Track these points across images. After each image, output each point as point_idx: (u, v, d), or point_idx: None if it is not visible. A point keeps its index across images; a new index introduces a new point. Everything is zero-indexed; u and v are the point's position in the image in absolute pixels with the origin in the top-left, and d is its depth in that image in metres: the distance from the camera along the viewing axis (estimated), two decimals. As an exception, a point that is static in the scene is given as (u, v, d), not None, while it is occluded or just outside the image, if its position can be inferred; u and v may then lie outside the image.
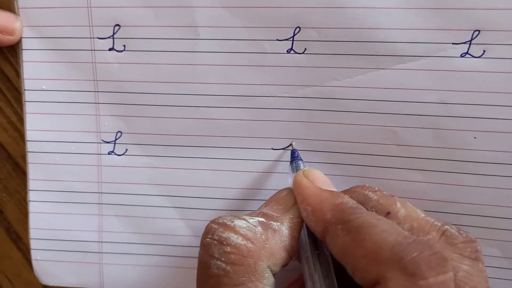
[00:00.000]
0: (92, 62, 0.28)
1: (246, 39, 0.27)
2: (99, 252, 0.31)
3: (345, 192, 0.24)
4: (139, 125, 0.29)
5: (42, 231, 0.31)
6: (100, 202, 0.30)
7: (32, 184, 0.30)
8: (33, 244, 0.31)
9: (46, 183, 0.30)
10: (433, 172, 0.27)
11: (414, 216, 0.22)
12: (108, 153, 0.30)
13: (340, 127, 0.28)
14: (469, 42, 0.26)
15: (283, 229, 0.22)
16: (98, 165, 0.30)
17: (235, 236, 0.21)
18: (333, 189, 0.23)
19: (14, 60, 0.29)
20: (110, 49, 0.28)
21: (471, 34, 0.26)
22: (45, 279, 0.32)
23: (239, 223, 0.21)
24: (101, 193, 0.30)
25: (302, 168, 0.26)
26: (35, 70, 0.29)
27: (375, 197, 0.23)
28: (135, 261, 0.31)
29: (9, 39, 0.28)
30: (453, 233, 0.22)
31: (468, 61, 0.26)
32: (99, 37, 0.28)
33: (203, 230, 0.30)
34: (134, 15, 0.27)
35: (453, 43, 0.26)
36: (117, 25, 0.27)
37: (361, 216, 0.20)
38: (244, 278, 0.20)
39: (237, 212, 0.30)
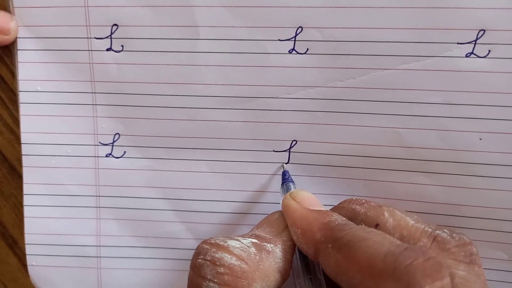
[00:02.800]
0: (89, 63, 0.28)
1: (247, 39, 0.26)
2: (97, 257, 0.30)
3: (333, 209, 0.24)
4: (137, 127, 0.28)
5: (38, 236, 0.30)
6: (98, 206, 0.30)
7: (27, 188, 0.30)
8: (28, 249, 0.30)
9: (42, 187, 0.30)
10: (438, 174, 0.27)
11: (403, 224, 0.22)
12: (106, 156, 0.29)
13: (343, 129, 0.27)
14: (474, 42, 0.25)
15: (276, 250, 0.22)
16: (95, 168, 0.29)
17: (229, 257, 0.20)
18: (321, 208, 0.23)
19: (9, 61, 0.29)
20: (107, 50, 0.27)
21: (476, 34, 0.25)
22: (41, 285, 0.31)
23: (232, 243, 0.21)
24: (99, 196, 0.30)
25: (292, 189, 0.26)
26: (31, 71, 0.28)
27: (362, 210, 0.23)
28: (134, 265, 0.30)
29: (4, 39, 0.27)
30: (445, 238, 0.21)
31: (473, 61, 0.25)
32: (96, 37, 0.27)
33: (203, 233, 0.30)
34: (133, 14, 0.26)
35: (458, 43, 0.25)
36: (115, 24, 0.27)
37: (350, 232, 0.20)
38: None
39: (239, 215, 0.29)
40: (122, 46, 0.27)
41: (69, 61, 0.28)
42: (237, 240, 0.21)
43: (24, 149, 0.29)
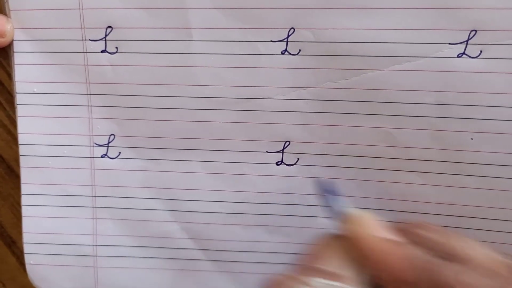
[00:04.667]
0: (85, 65, 0.28)
1: (240, 41, 0.27)
2: (94, 256, 0.31)
3: (401, 234, 0.20)
4: (132, 127, 0.29)
5: (36, 235, 0.31)
6: (94, 206, 0.30)
7: (24, 188, 0.30)
8: (26, 248, 0.31)
9: (39, 187, 0.30)
10: (430, 174, 0.27)
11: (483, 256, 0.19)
12: (101, 156, 0.29)
13: (335, 129, 0.28)
14: (465, 42, 0.25)
15: None
16: (91, 169, 0.30)
17: None
18: (392, 236, 0.20)
19: (6, 63, 0.29)
20: (102, 51, 0.28)
21: (468, 34, 0.25)
22: (39, 284, 0.31)
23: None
24: (95, 196, 0.30)
25: (342, 206, 0.22)
26: (27, 73, 0.28)
27: (441, 240, 0.20)
28: (130, 264, 0.31)
29: (0, 41, 0.27)
30: None
31: (465, 62, 0.26)
32: (91, 39, 0.27)
33: (198, 232, 0.30)
34: (127, 16, 0.27)
35: (449, 43, 0.25)
36: (109, 26, 0.27)
37: (449, 273, 0.18)
38: None
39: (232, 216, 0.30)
40: (117, 48, 0.27)
41: (64, 63, 0.28)
42: (305, 284, 0.19)
43: (22, 150, 0.30)
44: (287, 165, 0.29)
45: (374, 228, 0.20)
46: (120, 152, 0.29)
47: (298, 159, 0.29)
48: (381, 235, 0.20)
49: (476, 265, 0.19)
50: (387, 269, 0.19)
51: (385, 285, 0.20)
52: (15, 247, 0.32)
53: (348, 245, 0.20)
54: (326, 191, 0.23)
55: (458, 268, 0.18)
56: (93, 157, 0.30)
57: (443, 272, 0.18)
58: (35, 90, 0.29)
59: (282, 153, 0.29)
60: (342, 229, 0.21)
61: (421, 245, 0.20)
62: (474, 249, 0.20)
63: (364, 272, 0.20)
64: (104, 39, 0.27)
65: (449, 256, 0.19)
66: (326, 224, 0.29)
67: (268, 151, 0.29)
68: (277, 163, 0.29)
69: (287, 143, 0.28)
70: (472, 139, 0.26)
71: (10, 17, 0.27)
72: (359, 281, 0.20)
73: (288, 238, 0.30)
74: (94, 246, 0.31)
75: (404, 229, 0.21)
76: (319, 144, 0.28)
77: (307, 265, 0.20)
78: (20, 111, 0.29)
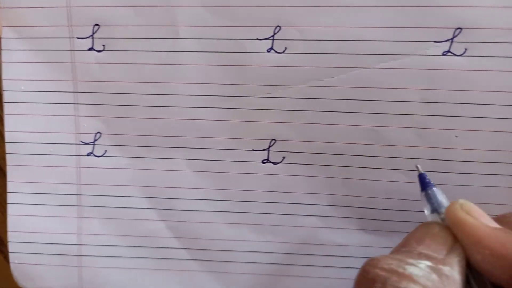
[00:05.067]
0: (72, 62, 0.28)
1: (226, 39, 0.27)
2: (78, 255, 0.31)
3: (498, 223, 0.21)
4: (118, 126, 0.29)
5: (21, 234, 0.30)
6: (80, 204, 0.30)
7: (10, 186, 0.30)
8: (11, 247, 0.31)
9: (25, 185, 0.30)
10: (416, 171, 0.27)
11: None
12: (87, 154, 0.29)
13: (322, 128, 0.28)
14: (450, 40, 0.26)
15: (454, 274, 0.19)
16: (77, 167, 0.30)
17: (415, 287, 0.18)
18: (498, 226, 0.20)
19: (-7, 61, 0.29)
20: (89, 49, 0.28)
21: (452, 32, 0.25)
22: (24, 283, 0.31)
23: (414, 270, 0.19)
24: (80, 195, 0.30)
25: (439, 196, 0.23)
26: (15, 71, 0.28)
27: None
28: (115, 264, 0.30)
29: (-12, 39, 0.28)
30: None
31: (450, 60, 0.26)
32: (78, 37, 0.27)
33: (184, 231, 0.30)
34: (114, 14, 0.27)
35: (434, 41, 0.26)
36: (97, 24, 0.27)
37: None
38: None
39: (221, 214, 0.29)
40: (104, 45, 0.27)
41: (52, 61, 0.28)
42: (413, 264, 0.19)
43: (8, 148, 0.30)
44: (273, 163, 0.29)
45: (484, 218, 0.21)
46: (106, 150, 0.29)
47: (284, 157, 0.28)
48: (489, 224, 0.20)
49: None
50: (499, 255, 0.19)
51: (490, 270, 0.20)
52: (3, 245, 0.32)
53: (450, 231, 0.21)
54: (422, 180, 0.24)
55: None
56: (79, 155, 0.29)
57: None
58: (23, 88, 0.29)
59: (268, 151, 0.28)
60: (450, 217, 0.21)
61: None
62: None
63: (465, 259, 0.20)
64: (91, 37, 0.27)
65: None
66: (312, 223, 0.29)
67: (254, 149, 0.28)
68: (263, 161, 0.29)
69: (273, 141, 0.28)
70: (457, 136, 0.26)
71: (-2, 14, 0.28)
72: (460, 268, 0.20)
73: (275, 237, 0.30)
74: (79, 246, 0.30)
75: (500, 220, 0.21)
76: (305, 142, 0.28)
77: (410, 249, 0.20)
78: (7, 108, 0.29)
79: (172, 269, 0.30)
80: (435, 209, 0.23)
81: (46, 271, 0.31)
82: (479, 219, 0.20)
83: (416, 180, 0.27)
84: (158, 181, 0.29)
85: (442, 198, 0.23)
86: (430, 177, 0.26)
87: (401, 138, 0.27)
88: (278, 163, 0.29)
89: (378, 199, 0.28)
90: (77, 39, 0.28)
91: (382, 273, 0.19)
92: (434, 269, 0.19)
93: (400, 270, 0.19)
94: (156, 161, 0.29)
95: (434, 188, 0.24)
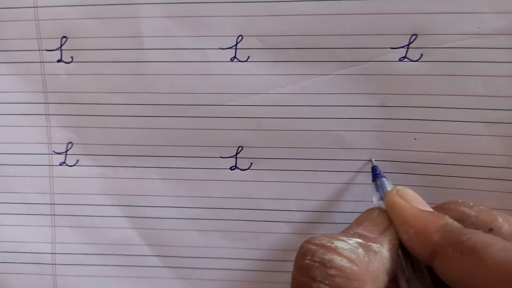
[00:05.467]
0: (42, 74, 0.29)
1: (190, 48, 0.27)
2: (53, 264, 0.31)
3: (437, 209, 0.23)
4: (89, 135, 0.29)
5: (-5, 244, 0.31)
6: (53, 214, 0.31)
7: (-16, 196, 0.31)
8: (-15, 257, 0.31)
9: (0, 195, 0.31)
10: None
11: None
12: (60, 164, 0.30)
13: (287, 133, 0.28)
14: (407, 47, 0.26)
15: (383, 251, 0.21)
16: (50, 176, 0.30)
17: (339, 258, 0.20)
18: (430, 209, 0.22)
19: (-33, 74, 0.30)
20: (58, 61, 0.28)
21: (408, 39, 0.26)
22: (-2, 293, 0.32)
23: (340, 244, 0.20)
24: (54, 204, 0.30)
25: (387, 185, 0.25)
26: (-13, 83, 0.29)
27: (473, 213, 0.22)
28: (89, 272, 0.31)
29: (-39, 53, 0.29)
30: None
31: (406, 65, 0.26)
32: (47, 49, 0.28)
33: (156, 239, 0.30)
34: (80, 26, 0.28)
35: (391, 48, 0.26)
36: (64, 36, 0.28)
37: (473, 236, 0.19)
38: None
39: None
40: (72, 57, 0.28)
41: (22, 73, 0.29)
42: (342, 240, 0.21)
43: (-18, 159, 0.30)
44: (241, 170, 0.29)
45: (416, 201, 0.22)
46: (78, 160, 0.30)
47: (251, 163, 0.29)
48: (420, 206, 0.22)
49: (501, 232, 0.21)
50: (421, 233, 0.21)
51: (414, 248, 0.21)
52: (-22, 257, 0.32)
53: (388, 215, 0.23)
54: (374, 171, 0.27)
55: (480, 233, 0.19)
56: (52, 165, 0.30)
57: (468, 235, 0.19)
58: (-5, 100, 0.29)
59: (236, 158, 0.29)
60: (386, 201, 0.23)
61: (453, 217, 0.21)
62: (502, 220, 0.21)
63: (397, 239, 0.22)
64: (59, 49, 0.28)
65: (478, 226, 0.21)
66: (281, 229, 0.30)
67: (222, 156, 0.29)
68: (231, 168, 0.29)
69: (240, 148, 0.29)
70: (415, 139, 0.27)
71: (-31, 29, 0.28)
72: (391, 246, 0.21)
73: (245, 243, 0.30)
74: (53, 254, 0.31)
75: (440, 206, 0.23)
76: (271, 149, 0.29)
77: (348, 230, 0.22)
78: (-20, 121, 0.30)
79: (144, 276, 0.31)
80: (381, 198, 0.24)
81: (21, 280, 0.31)
82: (411, 202, 0.22)
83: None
84: (130, 190, 0.30)
85: (389, 188, 0.24)
86: (391, 179, 0.27)
87: (362, 142, 0.27)
88: (246, 169, 0.29)
89: (345, 202, 0.28)
90: (46, 51, 0.28)
91: (313, 247, 0.20)
92: (362, 245, 0.21)
93: (328, 244, 0.20)
94: (127, 169, 0.30)
95: (384, 179, 0.26)
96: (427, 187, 0.27)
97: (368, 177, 0.28)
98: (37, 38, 0.28)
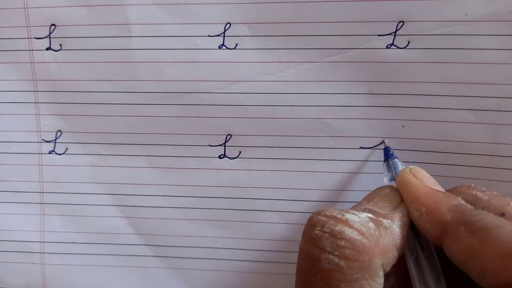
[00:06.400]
0: (31, 62, 0.29)
1: (178, 36, 0.27)
2: (41, 252, 0.31)
3: (449, 192, 0.22)
4: (78, 123, 0.29)
5: (-16, 232, 0.31)
6: (42, 202, 0.31)
7: (-27, 184, 0.31)
8: (-26, 245, 0.31)
9: (-12, 184, 0.31)
10: (367, 162, 0.28)
11: None
12: (49, 152, 0.30)
13: (275, 122, 0.28)
14: (394, 34, 0.26)
15: (394, 227, 0.21)
16: (39, 165, 0.30)
17: (350, 230, 0.19)
18: (443, 190, 0.22)
19: (-44, 63, 0.30)
20: (47, 49, 0.28)
21: (395, 26, 0.26)
22: (-13, 281, 0.32)
23: (350, 217, 0.20)
24: (43, 192, 0.30)
25: (400, 166, 0.25)
26: (-23, 72, 0.29)
27: (485, 198, 0.21)
28: (78, 261, 0.31)
29: (-50, 41, 0.29)
30: None
31: (393, 52, 0.26)
32: (36, 37, 0.28)
33: (144, 228, 0.30)
34: (69, 14, 0.28)
35: (378, 35, 0.26)
36: (53, 24, 0.28)
37: (485, 217, 0.19)
38: (358, 275, 0.19)
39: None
40: (61, 45, 0.28)
41: (11, 61, 0.29)
42: (353, 213, 0.20)
43: (-28, 148, 0.30)
44: (229, 158, 0.29)
45: (429, 181, 0.22)
46: (67, 148, 0.30)
47: (240, 152, 0.29)
48: (433, 186, 0.22)
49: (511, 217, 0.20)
50: (432, 211, 0.21)
51: (424, 226, 0.21)
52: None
53: (399, 192, 0.22)
54: (386, 152, 0.26)
55: (492, 215, 0.20)
56: (41, 153, 0.30)
57: (480, 216, 0.19)
58: (-15, 88, 0.30)
59: (224, 146, 0.29)
60: (398, 179, 0.23)
61: (465, 200, 0.21)
62: None
63: (408, 216, 0.21)
64: (48, 36, 0.28)
65: (489, 211, 0.21)
66: (270, 218, 0.29)
67: (211, 144, 0.29)
68: (219, 157, 0.29)
69: (229, 136, 0.29)
70: (403, 126, 0.27)
71: (-41, 17, 0.29)
72: (401, 223, 0.21)
73: (234, 233, 0.30)
74: (42, 243, 0.31)
75: (452, 190, 0.23)
76: (260, 137, 0.29)
77: (359, 205, 0.22)
78: (-30, 109, 0.30)
79: (133, 266, 0.31)
80: (393, 178, 0.24)
81: (9, 269, 0.31)
82: (423, 181, 0.22)
83: (371, 170, 0.28)
84: (119, 178, 0.30)
85: (402, 168, 0.24)
86: (379, 166, 0.27)
87: (350, 130, 0.27)
88: (234, 158, 0.29)
89: (333, 191, 0.28)
90: (35, 39, 0.28)
91: (323, 218, 0.20)
92: (373, 220, 0.20)
93: (339, 216, 0.20)
94: (116, 158, 0.30)
95: (396, 159, 0.26)
96: (414, 174, 0.27)
97: (358, 166, 0.28)
98: (26, 26, 0.28)
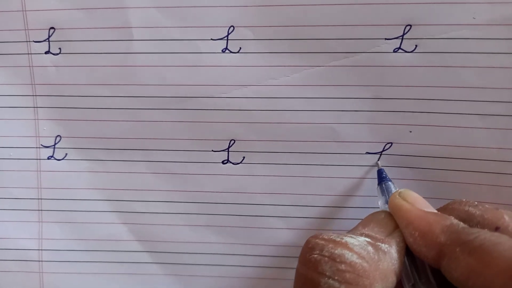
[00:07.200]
0: (29, 66, 0.28)
1: (181, 39, 0.27)
2: (39, 261, 0.30)
3: (441, 210, 0.22)
4: (77, 128, 0.29)
5: (-20, 240, 0.30)
6: (40, 209, 0.30)
7: (-30, 191, 0.30)
8: (-30, 253, 0.30)
9: (-15, 190, 0.30)
10: (372, 167, 0.27)
11: None
12: (48, 158, 0.29)
13: (279, 127, 0.28)
14: (401, 37, 0.26)
15: (392, 251, 0.20)
16: (37, 171, 0.30)
17: (349, 254, 0.19)
18: (435, 210, 0.22)
19: (-48, 66, 0.29)
20: (46, 52, 0.28)
21: (403, 29, 0.26)
22: (-17, 291, 0.31)
23: (350, 240, 0.20)
24: (41, 199, 0.30)
25: (393, 188, 0.25)
26: (-26, 76, 0.29)
27: (478, 213, 0.21)
28: (77, 269, 0.30)
29: None
30: None
31: (401, 56, 0.26)
32: (35, 40, 0.28)
33: (145, 234, 0.30)
34: (68, 17, 0.27)
35: (385, 39, 0.26)
36: (52, 27, 0.27)
37: (480, 235, 0.19)
38: None
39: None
40: (60, 48, 0.28)
41: (9, 65, 0.28)
42: (351, 237, 0.20)
43: (-31, 154, 0.30)
44: (233, 163, 0.29)
45: (419, 203, 0.22)
46: (66, 154, 0.29)
47: (244, 157, 0.28)
48: (424, 208, 0.22)
49: (508, 231, 0.20)
50: (426, 235, 0.20)
51: (420, 250, 0.21)
52: (-37, 254, 0.31)
53: (393, 217, 0.22)
54: (379, 175, 0.26)
55: (487, 232, 0.19)
56: (39, 159, 0.29)
57: (475, 234, 0.19)
58: (-19, 93, 0.29)
59: (228, 151, 0.28)
60: (390, 204, 0.22)
61: (458, 217, 0.21)
62: (508, 219, 0.21)
63: (404, 241, 0.21)
64: (47, 40, 0.28)
65: (484, 226, 0.21)
66: (274, 224, 0.29)
67: (214, 150, 0.28)
68: (223, 162, 0.29)
69: (232, 141, 0.28)
70: (411, 131, 0.26)
71: (-45, 20, 0.28)
72: (399, 248, 0.21)
73: (236, 239, 0.29)
74: (40, 251, 0.30)
75: (444, 208, 0.23)
76: (264, 142, 0.28)
77: (355, 230, 0.22)
78: (-34, 114, 0.29)
79: (134, 273, 0.30)
80: (387, 201, 0.23)
81: (6, 278, 0.30)
82: (414, 204, 0.22)
83: (373, 175, 0.27)
84: (119, 184, 0.29)
85: (394, 190, 0.24)
86: (386, 172, 0.26)
87: (356, 135, 0.27)
88: (238, 163, 0.29)
89: (338, 196, 0.28)
90: (33, 43, 0.28)
91: (321, 242, 0.20)
92: (371, 244, 0.20)
93: (338, 239, 0.20)
94: (116, 163, 0.29)
95: (389, 183, 0.25)
96: (421, 181, 0.27)
97: (364, 171, 0.27)
98: (24, 29, 0.28)
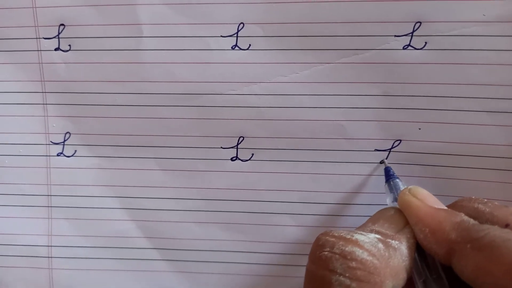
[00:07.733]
0: (39, 63, 0.28)
1: (190, 36, 0.27)
2: (48, 257, 0.30)
3: (451, 208, 0.22)
4: (87, 125, 0.29)
5: (-10, 236, 0.30)
6: (49, 205, 0.30)
7: (-21, 187, 0.30)
8: (-20, 249, 0.31)
9: (-5, 187, 0.30)
10: (381, 164, 0.27)
11: None
12: (57, 155, 0.29)
13: (288, 124, 0.28)
14: (411, 34, 0.26)
15: (402, 248, 0.20)
16: (47, 167, 0.30)
17: (360, 251, 0.19)
18: (444, 207, 0.22)
19: (-38, 63, 0.29)
20: (56, 49, 0.28)
21: (412, 26, 0.26)
22: (-7, 286, 0.31)
23: (360, 237, 0.20)
24: (50, 195, 0.30)
25: (401, 186, 0.25)
26: (-17, 72, 0.29)
27: (487, 210, 0.21)
28: (86, 266, 0.30)
29: (-44, 41, 0.28)
30: None
31: (410, 53, 0.26)
32: (44, 37, 0.28)
33: (154, 231, 0.30)
34: (78, 14, 0.27)
35: (395, 36, 0.26)
36: (62, 24, 0.27)
37: (490, 232, 0.19)
38: None
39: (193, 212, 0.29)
40: (70, 45, 0.28)
41: (19, 62, 0.28)
42: (362, 234, 0.20)
43: (-22, 150, 0.30)
44: (242, 160, 0.29)
45: (429, 200, 0.22)
46: (76, 150, 0.29)
47: (252, 154, 0.29)
48: (434, 205, 0.21)
49: None
50: (436, 231, 0.20)
51: (431, 247, 0.21)
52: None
53: (403, 214, 0.22)
54: (387, 172, 0.26)
55: (498, 228, 0.19)
56: (49, 156, 0.29)
57: (485, 231, 0.19)
58: (-9, 89, 0.29)
59: (237, 148, 0.29)
60: (400, 201, 0.22)
61: (467, 215, 0.21)
62: None
63: (414, 238, 0.21)
64: (57, 37, 0.28)
65: (493, 223, 0.20)
66: (283, 221, 0.29)
67: (223, 146, 0.29)
68: (232, 159, 0.29)
69: (241, 138, 0.28)
70: (420, 129, 0.27)
71: (-35, 17, 0.28)
72: (409, 245, 0.21)
73: (245, 236, 0.29)
74: (49, 247, 0.30)
75: (453, 205, 0.22)
76: (273, 139, 0.28)
77: (364, 227, 0.22)
78: (-24, 110, 0.29)
79: (142, 270, 0.30)
80: (395, 199, 0.23)
81: (16, 274, 0.30)
82: (424, 201, 0.22)
83: (382, 173, 0.27)
84: (128, 181, 0.29)
85: (403, 187, 0.24)
86: (394, 169, 0.26)
87: (365, 132, 0.27)
88: (247, 160, 0.29)
89: (347, 194, 0.28)
90: (43, 39, 0.28)
91: (332, 239, 0.20)
92: (382, 241, 0.20)
93: (348, 236, 0.20)
94: (126, 160, 0.29)
95: (397, 180, 0.25)
96: (430, 178, 0.27)
97: (372, 168, 0.27)
98: (34, 26, 0.28)
